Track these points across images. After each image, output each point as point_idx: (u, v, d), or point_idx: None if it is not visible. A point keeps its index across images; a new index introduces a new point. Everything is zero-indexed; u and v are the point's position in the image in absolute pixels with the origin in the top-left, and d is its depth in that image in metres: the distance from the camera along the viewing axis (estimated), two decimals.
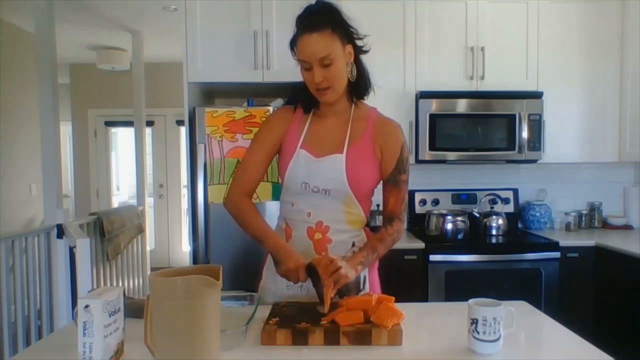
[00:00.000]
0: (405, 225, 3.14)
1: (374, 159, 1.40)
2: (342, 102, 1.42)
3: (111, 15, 4.35)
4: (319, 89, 1.35)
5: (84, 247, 2.62)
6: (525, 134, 2.86)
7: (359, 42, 1.39)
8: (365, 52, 1.41)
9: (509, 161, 2.96)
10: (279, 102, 2.63)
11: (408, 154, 1.44)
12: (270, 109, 2.49)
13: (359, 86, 1.41)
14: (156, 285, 0.94)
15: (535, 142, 2.86)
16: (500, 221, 2.95)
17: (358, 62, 1.40)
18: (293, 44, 1.35)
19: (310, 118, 1.44)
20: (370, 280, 1.46)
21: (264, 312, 1.24)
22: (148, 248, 4.99)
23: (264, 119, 2.44)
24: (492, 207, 3.11)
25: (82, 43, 5.24)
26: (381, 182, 1.44)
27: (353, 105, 1.44)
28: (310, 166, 1.37)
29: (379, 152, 1.40)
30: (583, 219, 3.17)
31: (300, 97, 1.45)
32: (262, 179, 1.46)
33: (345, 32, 1.35)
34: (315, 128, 1.43)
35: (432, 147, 2.84)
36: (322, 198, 1.38)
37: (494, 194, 3.13)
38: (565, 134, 2.98)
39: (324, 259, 1.22)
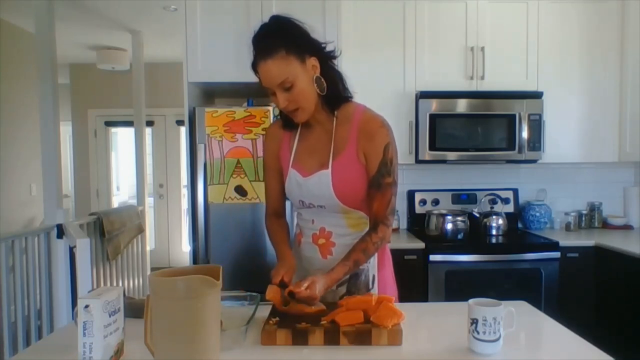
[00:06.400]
0: (405, 225, 3.18)
1: (359, 166, 1.35)
2: (321, 114, 1.37)
3: (111, 15, 4.35)
4: (288, 112, 1.33)
5: (84, 247, 2.62)
6: (525, 134, 2.86)
7: (325, 50, 1.33)
8: (335, 57, 1.35)
9: (509, 161, 2.96)
10: None
11: (393, 154, 1.36)
12: (270, 109, 2.49)
13: (333, 97, 1.35)
14: (156, 285, 0.93)
15: (535, 142, 2.86)
16: (500, 221, 2.95)
17: (327, 71, 1.33)
18: (255, 68, 1.30)
19: (299, 130, 1.44)
20: (383, 278, 1.45)
21: (264, 312, 1.24)
22: (148, 248, 4.99)
23: (264, 119, 2.44)
24: (492, 207, 3.11)
25: (82, 43, 5.24)
26: None
27: (335, 114, 1.37)
28: (301, 186, 1.39)
29: (362, 157, 1.34)
30: (583, 219, 3.17)
31: (280, 116, 1.45)
32: (284, 193, 1.50)
33: (304, 47, 1.28)
34: (303, 141, 1.42)
35: (432, 147, 2.84)
36: (319, 210, 1.40)
37: (494, 194, 3.13)
38: (565, 134, 2.98)
39: (302, 291, 1.19)
